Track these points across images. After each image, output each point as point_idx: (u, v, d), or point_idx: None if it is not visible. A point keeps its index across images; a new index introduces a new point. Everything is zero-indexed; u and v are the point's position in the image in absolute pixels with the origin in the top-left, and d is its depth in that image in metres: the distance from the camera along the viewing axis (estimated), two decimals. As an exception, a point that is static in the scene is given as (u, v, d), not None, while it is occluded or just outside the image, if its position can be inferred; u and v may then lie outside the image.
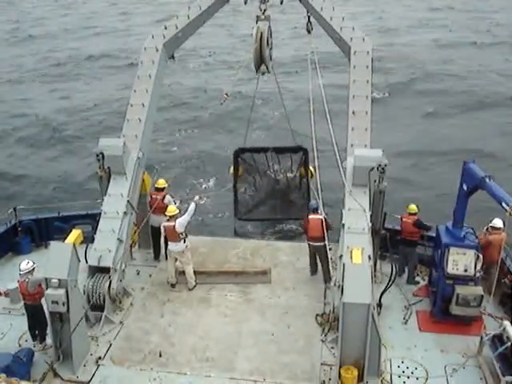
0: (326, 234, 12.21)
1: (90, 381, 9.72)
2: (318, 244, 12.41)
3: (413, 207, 12.56)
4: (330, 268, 12.34)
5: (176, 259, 12.52)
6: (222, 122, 29.63)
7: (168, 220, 12.29)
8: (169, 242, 12.40)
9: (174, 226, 12.11)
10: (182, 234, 12.20)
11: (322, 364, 10.07)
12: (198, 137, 28.91)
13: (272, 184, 15.72)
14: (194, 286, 12.55)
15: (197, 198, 12.77)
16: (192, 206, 12.37)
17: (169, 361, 10.25)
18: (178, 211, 12.43)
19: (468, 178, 10.69)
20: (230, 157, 16.39)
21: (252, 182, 15.83)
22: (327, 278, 12.50)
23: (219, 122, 29.31)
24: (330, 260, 12.29)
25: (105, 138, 12.47)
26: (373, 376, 9.51)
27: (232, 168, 15.69)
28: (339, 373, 9.24)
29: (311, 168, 15.23)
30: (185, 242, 12.31)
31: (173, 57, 13.96)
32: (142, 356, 10.36)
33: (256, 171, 15.73)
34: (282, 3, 13.97)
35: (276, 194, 15.71)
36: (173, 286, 12.64)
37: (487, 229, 11.97)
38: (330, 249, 12.17)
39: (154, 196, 13.32)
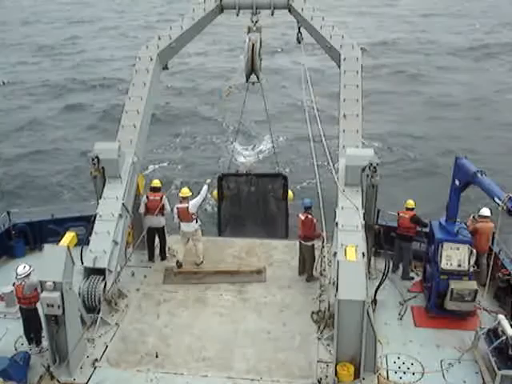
0: (313, 234, 12.35)
1: (86, 383, 9.70)
2: (305, 243, 12.55)
3: (410, 202, 12.63)
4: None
5: (188, 240, 13.30)
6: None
7: (181, 202, 13.01)
8: (181, 224, 13.16)
9: (188, 208, 12.89)
10: (194, 214, 12.96)
11: (318, 361, 10.11)
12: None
13: (253, 206, 16.13)
14: (202, 262, 13.24)
15: (209, 181, 13.56)
16: (204, 188, 13.16)
17: (165, 361, 10.24)
18: (191, 193, 13.13)
19: (460, 174, 10.75)
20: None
21: (235, 204, 16.19)
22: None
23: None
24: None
25: (100, 142, 12.47)
26: (369, 372, 9.57)
27: (215, 192, 15.92)
28: (336, 370, 9.28)
29: (290, 192, 15.61)
30: (197, 221, 13.15)
31: (166, 67, 14.01)
32: (138, 357, 10.35)
33: (238, 194, 16.11)
34: (272, 15, 14.00)
35: (257, 216, 16.13)
36: (180, 265, 13.14)
37: (474, 217, 12.14)
38: (325, 246, 12.23)
39: (151, 197, 13.27)
